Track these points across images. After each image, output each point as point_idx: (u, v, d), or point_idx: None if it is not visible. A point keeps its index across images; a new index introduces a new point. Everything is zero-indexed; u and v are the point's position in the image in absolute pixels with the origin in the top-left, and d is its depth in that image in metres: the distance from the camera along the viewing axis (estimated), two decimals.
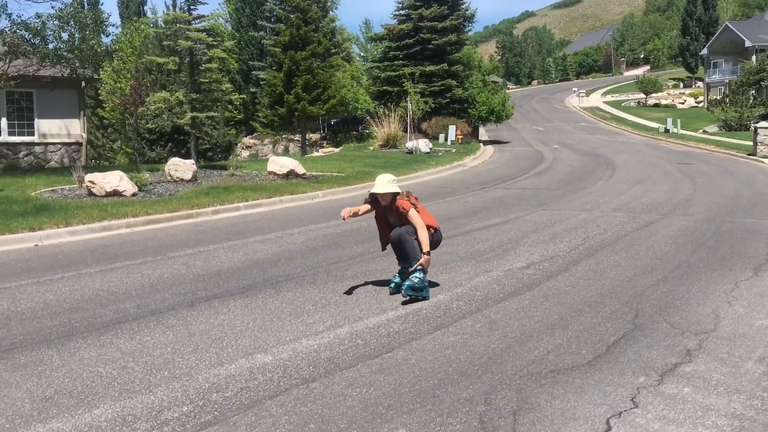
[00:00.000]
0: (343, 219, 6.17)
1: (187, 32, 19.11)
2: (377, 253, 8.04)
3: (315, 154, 27.77)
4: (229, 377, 4.21)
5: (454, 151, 25.77)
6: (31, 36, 17.94)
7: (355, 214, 6.33)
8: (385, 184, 6.20)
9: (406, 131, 26.70)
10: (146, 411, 3.73)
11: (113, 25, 19.76)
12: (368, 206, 6.41)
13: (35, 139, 21.88)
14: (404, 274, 6.17)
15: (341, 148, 29.37)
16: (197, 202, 12.33)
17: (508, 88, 64.90)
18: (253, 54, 38.55)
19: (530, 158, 25.12)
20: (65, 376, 4.27)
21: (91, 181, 13.18)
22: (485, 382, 4.12)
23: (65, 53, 18.42)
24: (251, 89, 37.08)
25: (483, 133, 38.99)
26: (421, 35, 31.83)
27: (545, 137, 36.75)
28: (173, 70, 19.99)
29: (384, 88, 32.07)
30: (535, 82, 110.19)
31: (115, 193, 13.06)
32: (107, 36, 21.55)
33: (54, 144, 22.23)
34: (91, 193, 13.13)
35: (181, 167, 15.73)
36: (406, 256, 6.11)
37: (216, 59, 19.06)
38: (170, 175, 15.59)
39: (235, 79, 36.45)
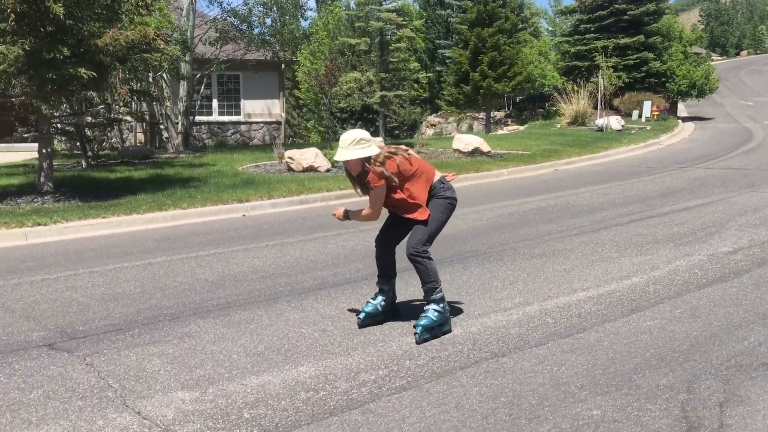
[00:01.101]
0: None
1: (378, 13, 19.68)
2: (568, 231, 7.85)
3: (499, 131, 27.50)
4: (421, 346, 4.35)
5: (648, 128, 24.28)
6: (239, 22, 19.43)
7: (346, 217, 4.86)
8: (347, 146, 4.38)
9: (595, 108, 25.58)
10: (345, 371, 3.97)
11: (310, 10, 20.85)
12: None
13: (241, 118, 23.76)
14: (387, 294, 4.83)
15: (526, 125, 28.81)
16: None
17: (712, 60, 59.79)
18: (440, 32, 38.83)
19: (737, 135, 23.03)
20: (273, 334, 4.65)
21: (290, 158, 14.09)
22: (687, 370, 3.89)
23: (268, 37, 19.73)
24: (437, 68, 37.42)
25: (682, 109, 36.33)
26: (616, 6, 30.20)
27: (755, 113, 33.43)
28: (364, 50, 20.69)
29: (573, 63, 30.93)
30: (744, 52, 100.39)
31: (311, 169, 13.84)
32: (305, 20, 22.80)
33: (257, 123, 24.01)
34: (289, 169, 14.04)
35: None
36: (389, 273, 4.84)
37: (404, 39, 19.47)
38: None
39: (422, 58, 36.93)
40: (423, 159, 4.81)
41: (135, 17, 12.28)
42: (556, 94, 28.26)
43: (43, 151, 11.06)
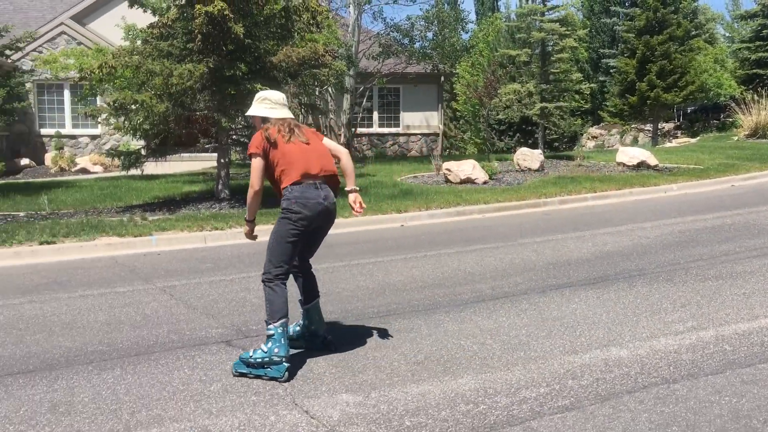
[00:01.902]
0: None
1: (540, 23, 19.38)
2: (747, 252, 7.28)
3: (668, 144, 25.98)
4: (584, 366, 4.21)
5: None
6: (401, 37, 19.90)
7: None
8: (256, 102, 4.48)
9: None
10: (505, 387, 3.93)
11: (471, 22, 20.93)
12: None
13: (400, 130, 24.28)
14: (311, 314, 4.65)
15: (698, 138, 26.99)
16: (544, 192, 12.47)
17: None
18: (604, 41, 37.42)
19: None
20: (432, 344, 4.70)
21: (447, 169, 14.19)
22: None
23: (429, 51, 20.03)
24: (600, 78, 36.06)
25: None
26: None
27: None
28: (524, 61, 20.42)
29: (753, 71, 28.56)
30: None
31: (468, 181, 13.85)
32: (466, 33, 22.90)
33: (415, 134, 24.42)
34: (447, 180, 14.14)
35: (528, 157, 16.04)
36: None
37: (567, 49, 18.98)
38: (518, 165, 16.01)
39: (584, 68, 35.76)
40: (348, 159, 4.57)
41: (306, 35, 12.99)
42: (733, 104, 26.27)
43: (222, 160, 11.95)
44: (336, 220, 10.04)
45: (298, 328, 4.68)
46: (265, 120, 4.38)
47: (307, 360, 4.44)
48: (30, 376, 4.28)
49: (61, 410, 3.75)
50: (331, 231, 9.44)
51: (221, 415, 3.65)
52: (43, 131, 20.35)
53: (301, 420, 3.57)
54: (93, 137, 20.61)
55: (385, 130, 24.25)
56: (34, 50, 19.51)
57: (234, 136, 12.95)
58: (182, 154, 16.30)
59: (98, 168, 18.96)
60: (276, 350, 4.10)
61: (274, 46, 11.72)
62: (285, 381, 4.06)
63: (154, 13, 12.85)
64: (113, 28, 18.41)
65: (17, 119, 16.16)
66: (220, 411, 3.70)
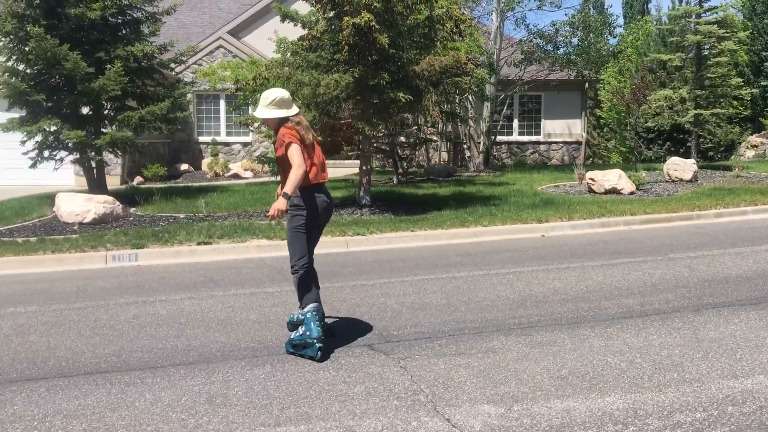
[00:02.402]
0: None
1: (696, 26, 18.28)
2: None
3: None
4: (746, 392, 3.91)
5: None
6: (544, 43, 19.50)
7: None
8: (265, 105, 4.77)
9: None
10: (657, 409, 3.73)
11: (619, 26, 20.14)
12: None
13: (540, 138, 23.77)
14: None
15: None
16: (698, 204, 11.75)
17: None
18: (767, 43, 34.69)
19: None
20: (576, 360, 4.55)
21: (591, 179, 13.72)
22: None
23: (573, 57, 19.48)
24: (762, 83, 33.45)
25: None
26: None
27: None
28: (677, 66, 19.34)
29: None
30: None
31: (613, 191, 13.32)
32: (613, 37, 22.04)
33: (556, 143, 23.81)
34: (590, 190, 13.66)
35: (680, 167, 15.18)
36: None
37: (726, 52, 17.77)
38: (668, 175, 15.19)
39: (744, 72, 33.31)
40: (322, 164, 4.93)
41: (448, 43, 13.05)
42: None
43: (364, 167, 12.25)
44: (473, 228, 9.96)
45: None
46: (283, 120, 4.75)
47: (448, 368, 4.45)
48: (190, 368, 4.59)
49: (217, 402, 3.99)
50: (469, 239, 9.38)
51: (365, 417, 3.73)
52: (201, 139, 21.81)
53: (442, 428, 3.58)
54: (244, 144, 21.81)
55: (525, 138, 23.83)
56: (194, 63, 20.98)
57: (375, 144, 13.24)
58: (326, 162, 16.92)
59: (249, 173, 20.03)
60: (308, 333, 4.60)
61: (416, 55, 11.87)
62: (320, 360, 4.57)
63: (303, 26, 13.42)
64: (265, 42, 19.42)
65: (179, 128, 17.45)
66: (364, 413, 3.79)
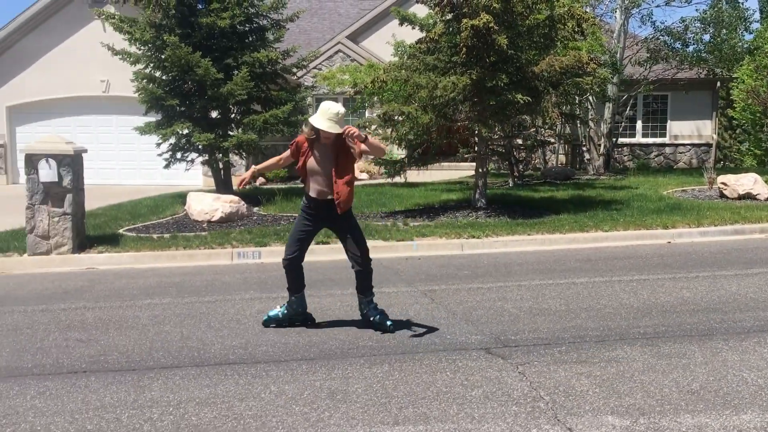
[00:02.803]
0: (239, 187, 5.88)
1: None
2: None
3: None
4: None
5: None
6: (672, 41, 18.60)
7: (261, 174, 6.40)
8: (330, 116, 5.19)
9: None
10: None
11: (755, 21, 18.89)
12: (289, 155, 5.64)
13: (666, 140, 22.70)
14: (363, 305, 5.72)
15: None
16: None
17: None
18: None
19: None
20: (708, 374, 4.31)
21: (722, 183, 12.96)
22: None
23: (704, 54, 18.48)
24: None
25: None
26: None
27: None
28: None
29: None
30: None
31: (748, 196, 12.52)
32: (750, 33, 20.68)
33: (683, 145, 22.65)
34: (721, 195, 12.91)
35: None
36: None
37: None
38: None
39: None
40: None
41: (569, 43, 12.72)
42: None
43: (480, 170, 12.16)
44: (593, 233, 9.69)
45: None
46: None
47: (568, 376, 4.33)
48: (311, 363, 4.73)
49: (338, 397, 4.09)
50: (588, 244, 9.15)
51: (483, 422, 3.70)
52: None
53: None
54: None
55: (650, 140, 22.82)
56: (314, 67, 21.59)
57: (492, 146, 13.11)
58: (442, 163, 16.91)
59: (364, 175, 20.38)
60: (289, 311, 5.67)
61: (535, 55, 11.65)
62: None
63: (421, 29, 13.50)
64: (383, 45, 19.71)
65: (299, 130, 18.07)
66: (482, 417, 3.76)
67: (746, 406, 3.80)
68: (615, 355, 4.74)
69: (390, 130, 12.26)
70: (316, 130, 5.23)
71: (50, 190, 8.95)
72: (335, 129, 5.12)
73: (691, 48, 19.07)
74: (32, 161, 8.91)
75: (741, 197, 12.56)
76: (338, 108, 5.19)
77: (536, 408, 3.86)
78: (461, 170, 19.58)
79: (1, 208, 13.19)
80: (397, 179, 13.27)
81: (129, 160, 18.92)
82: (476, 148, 12.72)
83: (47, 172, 8.87)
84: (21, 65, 19.07)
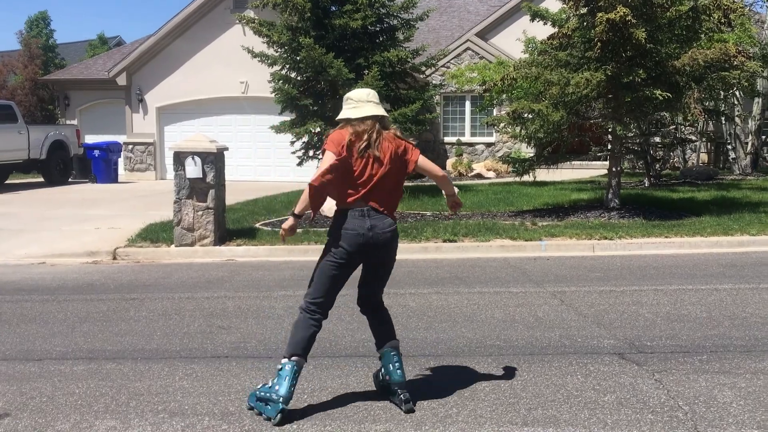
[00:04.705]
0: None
1: None
2: None
3: None
4: None
5: None
6: None
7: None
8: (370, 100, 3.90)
9: None
10: None
11: None
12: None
13: None
14: (383, 361, 4.00)
15: None
16: None
17: None
18: None
19: None
20: None
21: None
22: None
23: None
24: None
25: None
26: None
27: None
28: None
29: None
30: None
31: None
32: None
33: None
34: None
35: None
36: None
37: None
38: None
39: None
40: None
41: (714, 35, 11.98)
42: None
43: (613, 169, 11.72)
44: (738, 237, 9.10)
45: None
46: (348, 122, 3.87)
47: (710, 386, 4.11)
48: (438, 359, 4.78)
49: (465, 395, 4.10)
50: (733, 249, 8.66)
51: (616, 428, 3.59)
52: (446, 139, 22.43)
53: None
54: (488, 145, 22.02)
55: None
56: (442, 66, 21.63)
57: (626, 144, 12.60)
58: (572, 162, 16.43)
59: (491, 173, 20.20)
60: (277, 388, 3.74)
61: (676, 49, 11.05)
62: (277, 424, 3.68)
63: (553, 24, 13.17)
64: (513, 42, 19.41)
65: (426, 128, 18.12)
66: (615, 423, 3.65)
67: None
68: (763, 366, 4.44)
69: (519, 128, 12.07)
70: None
71: (195, 185, 9.56)
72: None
73: None
74: (179, 158, 9.55)
75: None
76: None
77: (674, 417, 3.70)
78: (593, 169, 18.93)
79: (151, 202, 14.23)
80: (526, 178, 13.05)
81: (264, 157, 19.80)
82: (609, 147, 12.26)
83: (193, 169, 9.47)
84: (169, 69, 20.45)
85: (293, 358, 3.79)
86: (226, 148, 10.13)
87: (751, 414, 3.71)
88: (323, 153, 3.80)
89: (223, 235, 9.87)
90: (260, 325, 5.82)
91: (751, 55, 12.91)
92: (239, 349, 5.16)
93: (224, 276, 8.14)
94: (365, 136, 3.76)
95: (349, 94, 3.92)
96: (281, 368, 3.78)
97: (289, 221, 3.81)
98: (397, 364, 3.89)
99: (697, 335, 5.18)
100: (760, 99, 18.35)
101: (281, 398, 3.70)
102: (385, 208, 3.85)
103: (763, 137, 19.47)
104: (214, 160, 9.59)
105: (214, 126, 19.63)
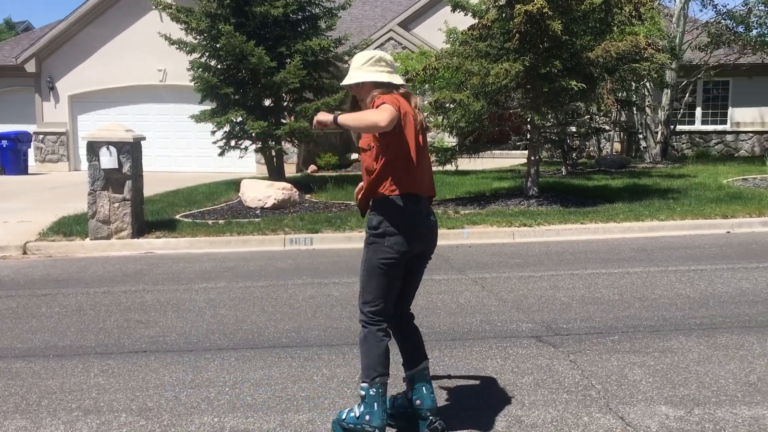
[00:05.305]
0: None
1: None
2: None
3: None
4: None
5: None
6: (734, 24, 18.01)
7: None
8: (359, 67, 3.32)
9: None
10: None
11: None
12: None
13: (727, 127, 21.98)
14: (415, 383, 3.44)
15: None
16: None
17: None
18: None
19: None
20: (767, 365, 4.21)
21: None
22: None
23: None
24: None
25: None
26: None
27: None
28: None
29: None
30: None
31: None
32: None
33: (745, 132, 21.91)
34: None
35: None
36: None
37: None
38: None
39: None
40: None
41: (626, 27, 12.43)
42: None
43: (532, 158, 12.03)
44: (648, 222, 9.46)
45: (399, 400, 3.60)
46: (381, 87, 3.25)
47: (621, 365, 4.29)
48: None
49: (388, 383, 4.13)
50: (644, 234, 8.96)
51: (533, 408, 3.70)
52: None
53: (615, 426, 3.47)
54: None
55: (709, 127, 22.14)
56: None
57: (544, 134, 12.94)
58: (493, 151, 16.76)
59: None
60: (367, 417, 3.24)
61: (590, 41, 11.40)
62: None
63: (474, 15, 13.37)
64: (435, 32, 19.58)
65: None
66: (532, 404, 3.76)
67: None
68: (670, 345, 4.66)
69: (441, 117, 12.21)
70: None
71: (111, 176, 9.24)
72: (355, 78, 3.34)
73: (754, 32, 18.37)
74: (94, 148, 9.20)
75: None
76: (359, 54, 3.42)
77: (588, 396, 3.84)
78: (513, 158, 19.37)
79: (64, 194, 13.67)
80: (448, 167, 13.23)
81: (185, 147, 19.33)
82: (528, 136, 12.57)
83: (108, 159, 9.15)
84: (82, 56, 19.64)
85: (376, 379, 3.25)
86: (144, 138, 9.84)
87: (659, 390, 3.89)
88: (381, 103, 3.09)
89: (142, 228, 9.59)
90: (180, 318, 5.69)
91: (660, 47, 13.47)
92: (158, 344, 5.04)
93: (142, 269, 7.92)
94: (418, 110, 3.27)
95: (378, 54, 3.33)
96: (365, 395, 3.26)
97: (328, 116, 3.12)
98: (431, 387, 3.42)
99: (610, 317, 5.39)
100: (669, 90, 19.17)
101: (376, 429, 3.24)
102: (428, 194, 3.43)
103: (672, 127, 20.37)
104: (131, 150, 9.29)
105: (131, 115, 19.00)
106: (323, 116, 3.14)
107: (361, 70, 3.29)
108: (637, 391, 3.88)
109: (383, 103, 3.07)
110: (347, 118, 3.07)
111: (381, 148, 3.19)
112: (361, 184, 3.43)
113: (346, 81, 3.34)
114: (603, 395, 3.85)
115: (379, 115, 3.00)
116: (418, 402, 3.37)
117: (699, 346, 4.60)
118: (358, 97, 3.34)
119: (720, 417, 3.52)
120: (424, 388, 3.39)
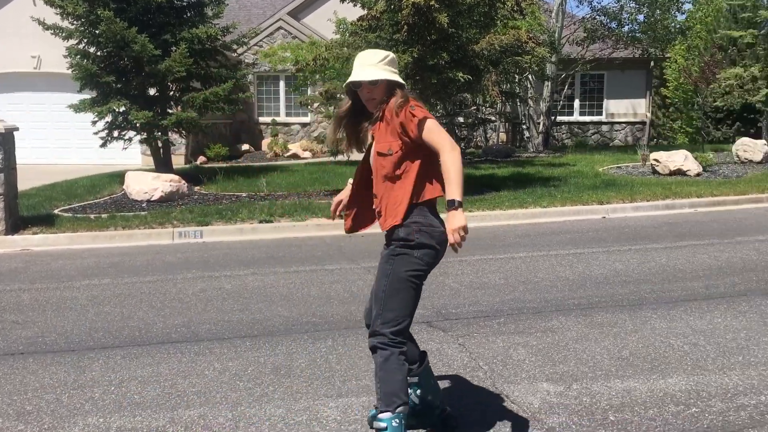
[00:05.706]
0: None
1: None
2: None
3: None
4: None
5: None
6: (608, 20, 19.05)
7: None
8: (373, 64, 2.98)
9: None
10: (720, 391, 3.69)
11: (687, 2, 19.50)
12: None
13: (603, 118, 23.27)
14: (422, 378, 3.25)
15: None
16: None
17: None
18: None
19: None
20: (638, 341, 4.52)
21: (655, 160, 13.41)
22: None
23: (638, 34, 18.98)
24: None
25: None
26: None
27: None
28: (748, 44, 18.65)
29: None
30: None
31: (679, 172, 12.99)
32: (682, 14, 21.33)
33: (619, 123, 23.28)
34: (654, 171, 13.36)
35: (750, 147, 14.71)
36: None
37: None
38: (738, 156, 14.74)
39: None
40: None
41: (508, 22, 12.89)
42: None
43: None
44: (532, 209, 9.85)
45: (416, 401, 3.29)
46: (394, 88, 2.98)
47: (506, 346, 4.48)
48: (255, 340, 4.76)
49: (282, 372, 4.13)
50: (528, 220, 9.27)
51: None
52: (261, 119, 22.14)
53: (500, 404, 3.63)
54: (303, 125, 22.05)
55: (587, 118, 23.37)
56: (255, 44, 21.25)
57: None
58: None
59: (307, 154, 20.28)
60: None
61: (476, 34, 11.77)
62: None
63: (363, 6, 13.42)
64: (325, 22, 19.51)
65: (240, 108, 17.75)
66: None
67: (672, 370, 4.01)
68: (551, 325, 4.91)
69: (332, 108, 12.22)
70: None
71: None
72: (372, 75, 2.97)
73: (626, 28, 19.57)
74: None
75: (672, 173, 13.02)
76: (369, 52, 3.09)
77: (475, 377, 3.99)
78: None
79: None
80: (341, 158, 13.27)
81: (64, 138, 18.30)
82: None
83: None
84: None
85: (399, 408, 2.89)
86: (17, 128, 9.25)
87: (541, 368, 4.10)
88: (424, 120, 2.87)
89: (16, 223, 9.04)
90: (61, 318, 5.43)
91: (540, 41, 14.07)
92: (36, 344, 4.78)
93: (18, 267, 7.47)
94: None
95: (392, 54, 3.06)
96: (386, 427, 2.86)
97: (462, 217, 2.84)
98: (434, 378, 3.32)
99: (496, 300, 5.61)
100: (550, 82, 20.07)
101: None
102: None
103: (553, 118, 21.33)
104: (2, 141, 8.72)
105: (2, 105, 17.79)
106: (463, 220, 2.84)
107: (377, 67, 2.96)
108: (521, 370, 4.07)
109: (426, 117, 2.88)
110: (460, 187, 2.86)
111: (407, 152, 2.93)
112: (344, 193, 3.23)
113: (366, 77, 2.94)
114: (489, 375, 4.01)
115: (451, 144, 2.86)
116: (429, 398, 3.26)
117: (577, 326, 4.88)
118: (364, 96, 3.01)
119: (596, 390, 3.75)
120: (432, 379, 3.31)
